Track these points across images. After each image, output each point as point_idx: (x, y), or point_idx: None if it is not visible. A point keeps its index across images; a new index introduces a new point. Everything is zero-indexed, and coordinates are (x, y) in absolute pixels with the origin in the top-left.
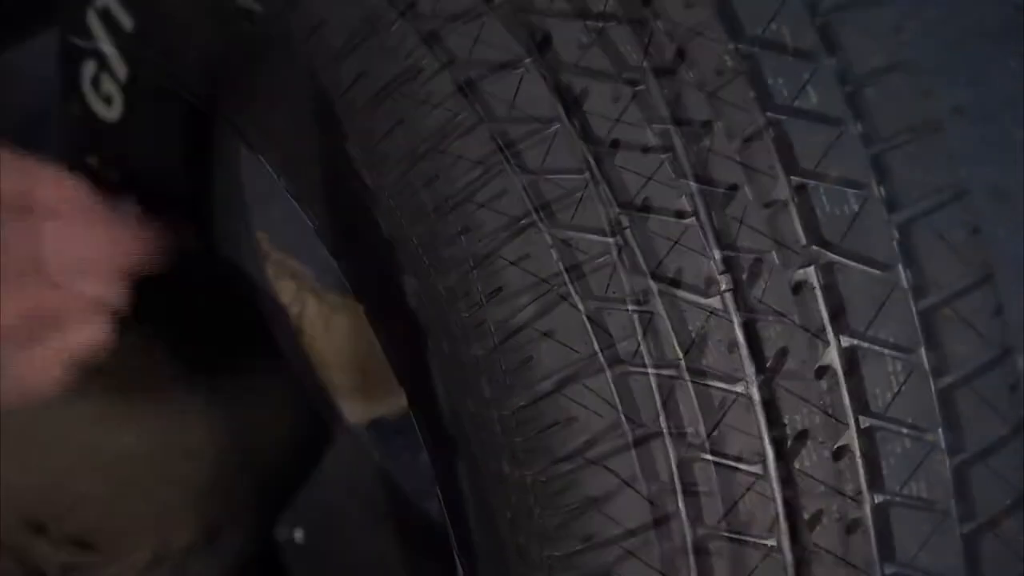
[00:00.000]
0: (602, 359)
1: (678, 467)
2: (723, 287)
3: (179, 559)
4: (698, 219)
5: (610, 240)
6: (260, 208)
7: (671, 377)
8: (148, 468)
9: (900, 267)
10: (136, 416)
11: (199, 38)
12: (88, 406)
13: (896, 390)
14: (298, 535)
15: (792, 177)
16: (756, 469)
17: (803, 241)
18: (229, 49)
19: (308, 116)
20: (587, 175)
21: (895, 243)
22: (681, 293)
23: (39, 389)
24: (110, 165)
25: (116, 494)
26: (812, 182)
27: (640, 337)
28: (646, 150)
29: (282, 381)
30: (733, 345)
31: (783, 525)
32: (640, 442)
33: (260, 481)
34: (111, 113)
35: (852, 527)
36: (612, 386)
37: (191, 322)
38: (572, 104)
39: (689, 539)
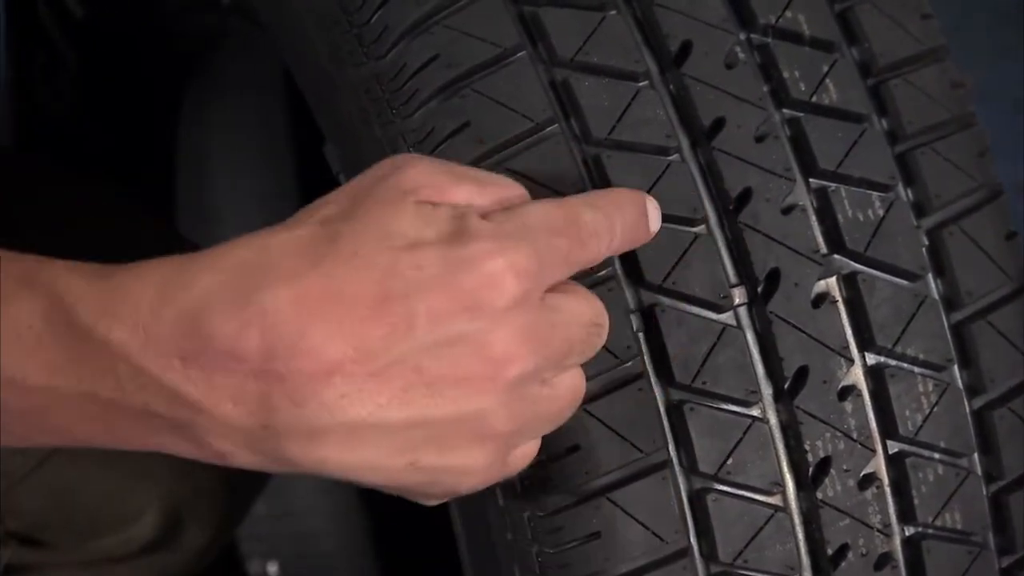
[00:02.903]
0: (604, 380)
1: (689, 499)
2: (736, 301)
3: (138, 557)
4: (708, 227)
5: None
6: None
7: (680, 400)
8: (101, 459)
9: (930, 277)
10: None
11: None
12: None
13: (927, 412)
14: (272, 569)
15: (811, 180)
16: (775, 500)
17: (824, 250)
18: None
19: None
20: (585, 181)
21: (924, 250)
22: (690, 307)
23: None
24: None
25: (65, 487)
26: (833, 185)
27: (645, 356)
28: (649, 152)
29: None
30: (747, 364)
31: (805, 561)
32: (647, 472)
33: (225, 472)
34: None
35: (880, 563)
36: (615, 410)
37: None
38: (568, 102)
39: None
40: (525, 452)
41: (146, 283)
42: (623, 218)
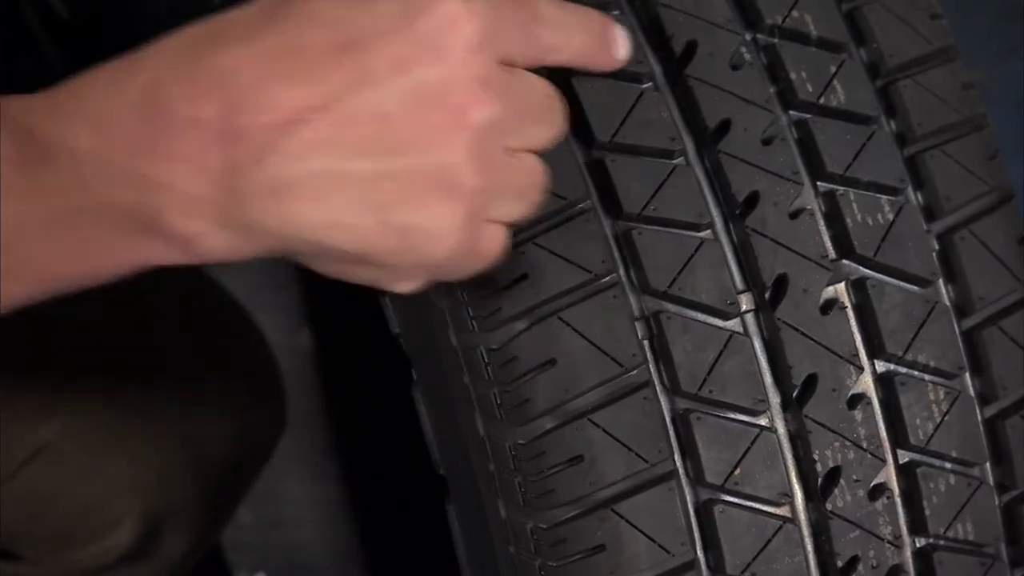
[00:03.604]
0: (608, 388)
1: (696, 511)
2: (743, 307)
3: (115, 567)
4: (714, 231)
5: (616, 256)
6: None
7: (686, 409)
8: (75, 466)
9: (940, 282)
10: (60, 407)
11: None
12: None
13: (938, 420)
14: None
15: (819, 183)
16: (783, 512)
17: (832, 255)
18: None
19: None
20: (588, 184)
21: (935, 255)
22: (696, 314)
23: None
24: None
25: (41, 497)
26: (841, 188)
27: (650, 364)
28: (654, 155)
29: (235, 365)
30: (755, 372)
31: (814, 574)
32: (653, 483)
33: (205, 477)
34: None
35: (891, 575)
36: (620, 420)
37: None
38: (570, 107)
39: None
40: (496, 235)
41: (96, 80)
42: (585, 24)
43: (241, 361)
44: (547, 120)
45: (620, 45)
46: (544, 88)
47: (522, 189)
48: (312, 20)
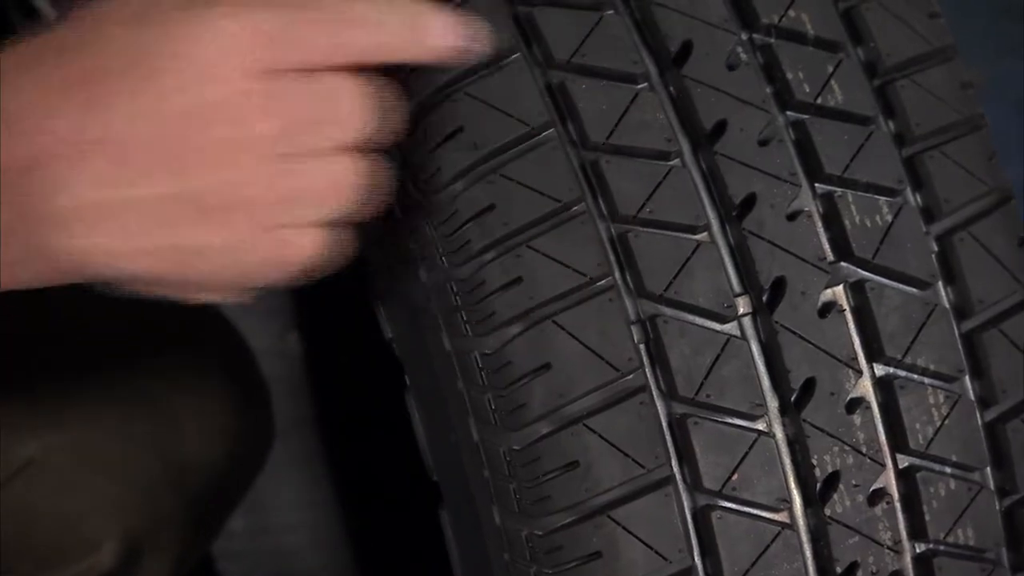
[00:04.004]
0: (604, 393)
1: (693, 517)
2: (741, 311)
3: None
4: (710, 234)
5: (611, 259)
6: None
7: (683, 414)
8: (57, 483)
9: (940, 285)
10: (43, 424)
11: None
12: None
13: (938, 424)
14: None
15: (817, 185)
16: (781, 517)
17: (830, 257)
18: None
19: None
20: (583, 186)
21: (934, 257)
22: (693, 318)
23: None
24: None
25: (23, 514)
26: (839, 190)
27: (647, 368)
28: (649, 156)
29: (218, 380)
30: (753, 376)
31: None
32: (649, 489)
33: (189, 496)
34: None
35: None
36: (616, 425)
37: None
38: (565, 106)
39: None
40: (303, 240)
41: None
42: (394, 18)
43: (226, 376)
44: (346, 121)
45: (437, 34)
46: (347, 88)
47: (322, 193)
48: (99, 48)
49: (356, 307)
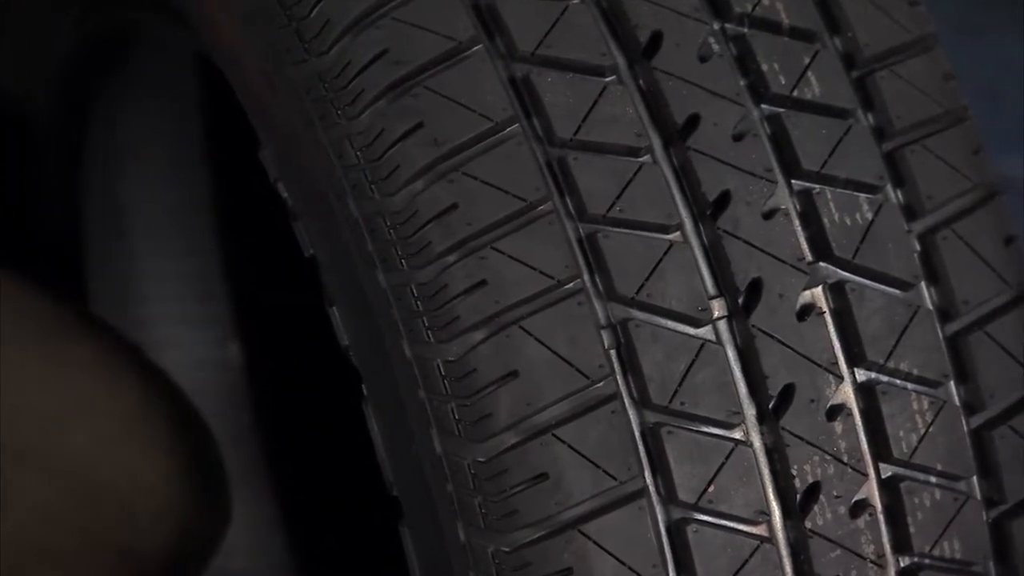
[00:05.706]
0: (573, 402)
1: (668, 531)
2: (715, 314)
3: None
4: (683, 234)
5: (580, 261)
6: None
7: (656, 423)
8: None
9: (923, 285)
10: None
11: None
12: None
13: (922, 432)
14: None
15: (794, 181)
16: (760, 531)
17: (809, 257)
18: None
19: None
20: (549, 185)
21: (916, 257)
22: (666, 322)
23: None
24: None
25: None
26: (817, 187)
27: (618, 375)
28: (619, 153)
29: (175, 468)
30: (729, 383)
31: None
32: (622, 502)
33: (171, 558)
34: None
35: None
36: (586, 435)
37: None
38: (530, 100)
39: None
40: None
41: None
42: None
43: (184, 460)
44: None
45: None
46: None
47: None
48: None
49: (303, 313)
